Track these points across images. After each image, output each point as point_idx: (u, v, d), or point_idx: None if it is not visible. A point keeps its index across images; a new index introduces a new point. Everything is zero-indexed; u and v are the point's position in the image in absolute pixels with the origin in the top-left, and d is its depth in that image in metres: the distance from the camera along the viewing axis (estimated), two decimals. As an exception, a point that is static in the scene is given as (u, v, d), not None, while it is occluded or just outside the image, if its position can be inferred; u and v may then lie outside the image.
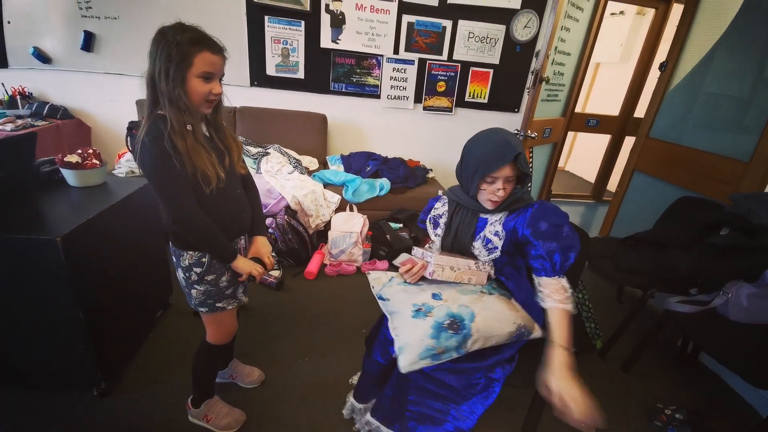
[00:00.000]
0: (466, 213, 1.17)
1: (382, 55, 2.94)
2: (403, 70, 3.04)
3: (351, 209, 2.54)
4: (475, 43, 3.01)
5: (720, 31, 1.94)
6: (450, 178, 3.25)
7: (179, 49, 0.88)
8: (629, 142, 3.69)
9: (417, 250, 1.21)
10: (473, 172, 1.07)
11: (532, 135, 2.58)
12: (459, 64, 3.08)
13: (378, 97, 3.09)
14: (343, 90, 3.01)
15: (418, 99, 3.16)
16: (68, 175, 1.37)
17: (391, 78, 3.04)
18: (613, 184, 3.73)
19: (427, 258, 1.15)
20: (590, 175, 4.41)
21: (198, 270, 1.08)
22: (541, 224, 1.02)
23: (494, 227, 1.12)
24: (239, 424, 1.32)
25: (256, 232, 1.23)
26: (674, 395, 1.65)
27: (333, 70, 2.93)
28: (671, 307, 1.59)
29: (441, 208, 1.26)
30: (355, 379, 1.50)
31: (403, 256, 1.23)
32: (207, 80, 0.94)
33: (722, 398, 1.69)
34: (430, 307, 1.06)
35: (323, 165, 2.94)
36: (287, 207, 2.37)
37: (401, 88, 3.11)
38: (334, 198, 2.55)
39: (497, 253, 1.12)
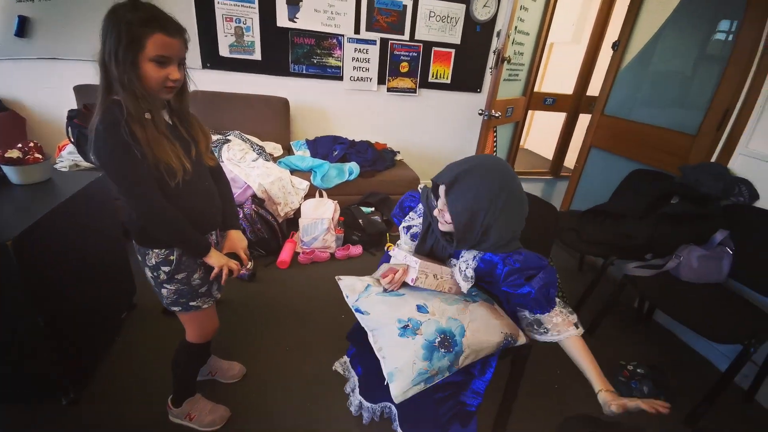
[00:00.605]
0: (438, 239, 1.10)
1: (342, 35, 2.86)
2: (365, 51, 2.97)
3: (321, 195, 2.50)
4: (436, 22, 3.00)
5: (669, 10, 2.06)
6: (417, 160, 3.29)
7: (129, 29, 0.80)
8: (583, 119, 3.89)
9: (398, 252, 1.11)
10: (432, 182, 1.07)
11: (496, 114, 2.64)
12: (421, 44, 3.06)
13: (341, 78, 3.01)
14: (304, 72, 2.90)
15: (381, 80, 3.11)
16: (10, 172, 1.23)
17: (353, 59, 2.97)
18: (569, 160, 3.92)
19: (410, 262, 1.05)
20: (548, 152, 4.60)
21: (166, 269, 1.02)
22: (518, 275, 0.97)
23: (466, 265, 1.05)
24: (224, 420, 1.29)
25: (229, 225, 1.17)
26: (635, 352, 1.80)
27: (292, 51, 2.81)
28: (629, 272, 1.72)
29: (416, 219, 1.18)
30: (338, 367, 1.50)
31: (384, 268, 1.12)
32: (162, 65, 0.86)
33: (678, 353, 1.87)
34: (418, 322, 0.96)
35: (287, 151, 2.85)
36: (254, 196, 2.28)
37: (364, 69, 3.05)
38: (303, 184, 2.48)
39: (471, 282, 1.04)
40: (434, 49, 3.10)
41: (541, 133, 5.11)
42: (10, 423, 1.22)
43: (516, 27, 2.47)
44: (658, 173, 2.01)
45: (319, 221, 2.34)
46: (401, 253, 1.10)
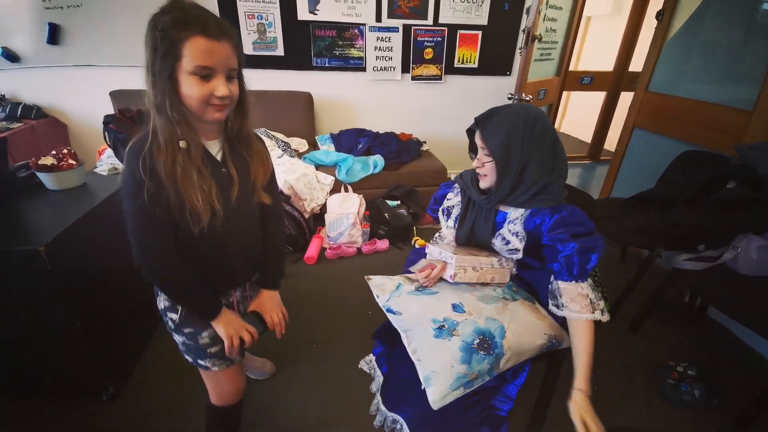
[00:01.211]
0: (481, 210, 1.06)
1: (364, 24, 2.80)
2: (387, 39, 2.90)
3: (346, 190, 2.48)
4: (461, 3, 2.86)
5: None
6: (444, 150, 3.19)
7: (163, 35, 0.66)
8: (625, 98, 3.63)
9: (433, 249, 1.09)
10: (468, 136, 1.05)
11: (527, 98, 2.49)
12: (446, 28, 2.94)
13: (363, 69, 2.96)
14: (327, 65, 2.88)
15: (405, 69, 3.03)
16: (45, 178, 1.29)
17: (375, 48, 2.91)
18: (610, 143, 3.68)
19: (446, 259, 1.03)
20: (586, 135, 4.33)
21: (173, 317, 0.89)
22: (564, 229, 0.92)
23: (514, 226, 1.00)
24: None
25: (266, 282, 1.00)
26: (684, 352, 1.67)
27: (314, 44, 2.79)
28: (680, 266, 1.57)
29: (454, 198, 1.17)
30: (364, 365, 1.49)
31: (422, 263, 1.09)
32: (205, 78, 0.70)
33: (734, 352, 1.71)
34: (454, 323, 0.92)
35: (313, 146, 2.85)
36: (280, 192, 2.30)
37: (387, 59, 2.98)
38: (328, 179, 2.48)
39: (519, 255, 1.01)
40: (459, 32, 2.97)
41: (578, 114, 4.83)
42: (54, 419, 1.30)
43: (547, 2, 2.31)
44: (710, 154, 1.81)
45: (344, 216, 2.33)
46: (436, 249, 1.07)
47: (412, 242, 2.41)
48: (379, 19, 2.80)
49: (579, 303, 0.89)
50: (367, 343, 1.53)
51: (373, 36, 2.85)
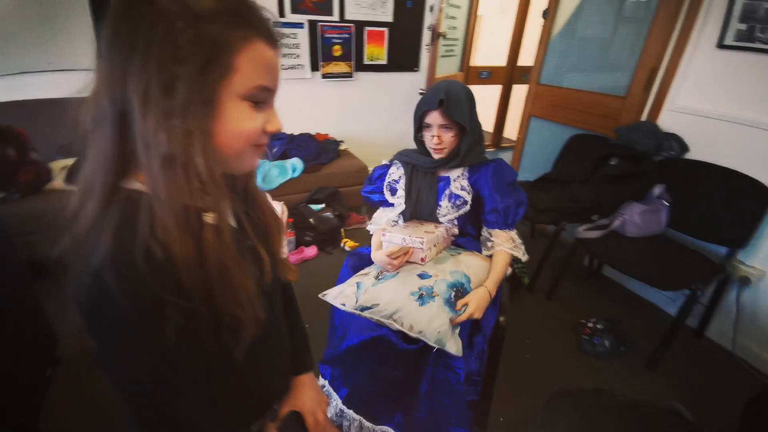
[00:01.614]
0: (425, 175, 1.19)
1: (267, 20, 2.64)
2: (293, 35, 2.78)
3: (265, 197, 2.32)
4: (366, 0, 2.86)
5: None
6: (362, 148, 3.18)
7: (199, 33, 0.39)
8: (516, 90, 4.00)
9: (394, 237, 1.10)
10: (415, 120, 1.14)
11: (437, 93, 2.59)
12: (353, 25, 2.91)
13: (270, 68, 2.79)
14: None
15: (314, 67, 2.94)
16: None
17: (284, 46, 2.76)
18: (508, 132, 4.03)
19: (413, 243, 1.08)
20: (487, 125, 4.70)
21: None
22: (499, 182, 1.12)
23: (460, 182, 1.17)
24: None
25: (302, 365, 0.75)
26: (592, 309, 1.89)
27: None
28: (580, 235, 1.78)
29: (396, 172, 1.24)
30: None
31: (392, 247, 1.09)
32: (259, 105, 0.46)
33: (630, 304, 1.99)
34: (429, 287, 1.02)
35: (222, 152, 2.62)
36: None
37: (294, 56, 2.85)
38: (243, 188, 2.29)
39: (467, 207, 1.16)
40: (366, 29, 2.97)
41: (480, 106, 5.20)
42: None
43: (448, 0, 2.42)
44: (595, 137, 2.08)
45: (266, 225, 2.18)
46: (398, 236, 1.10)
47: (342, 245, 2.36)
48: (282, 14, 2.66)
49: (510, 243, 1.14)
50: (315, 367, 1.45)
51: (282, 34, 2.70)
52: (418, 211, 1.20)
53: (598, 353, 1.62)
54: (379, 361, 1.06)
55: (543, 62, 2.44)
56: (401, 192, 1.22)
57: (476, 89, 4.65)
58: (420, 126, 1.15)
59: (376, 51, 3.10)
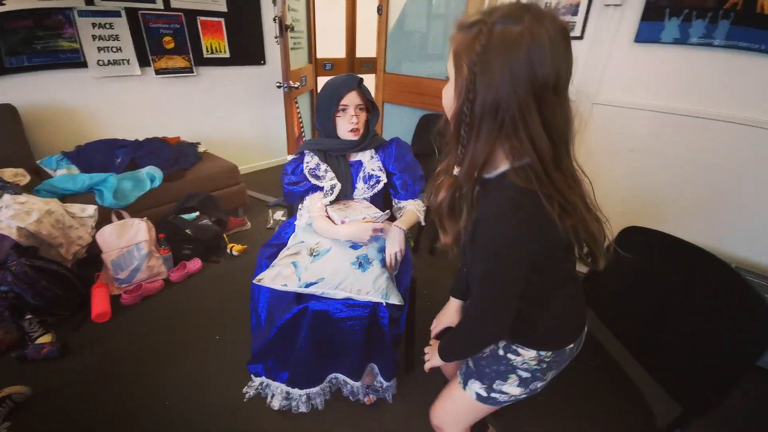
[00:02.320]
0: (338, 161, 1.27)
1: (71, 8, 2.17)
2: (108, 26, 2.37)
3: (120, 217, 1.99)
4: (192, -13, 2.64)
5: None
6: (224, 148, 2.98)
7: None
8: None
9: (355, 216, 1.20)
10: (327, 105, 1.18)
11: (295, 85, 2.65)
12: (181, 14, 2.66)
13: (84, 65, 2.33)
14: (27, 64, 2.11)
15: (144, 62, 2.58)
16: None
17: (94, 37, 2.33)
18: (360, 118, 4.32)
19: (378, 219, 1.18)
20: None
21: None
22: (404, 159, 1.31)
23: (374, 164, 1.30)
24: None
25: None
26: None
27: (3, 40, 1.97)
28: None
29: (312, 160, 1.28)
30: (250, 391, 1.37)
31: (381, 219, 1.19)
32: None
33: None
34: (364, 255, 1.17)
35: (36, 174, 2.08)
36: (15, 246, 1.62)
37: (115, 50, 2.45)
38: (87, 210, 1.90)
39: (381, 186, 1.29)
40: (200, 18, 2.75)
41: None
42: None
43: (287, -8, 2.46)
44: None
45: (132, 249, 1.89)
46: (357, 216, 1.20)
47: (228, 251, 2.22)
48: (90, 1, 2.23)
49: (417, 206, 1.32)
50: (239, 372, 1.41)
51: (86, 22, 2.26)
52: (339, 195, 1.27)
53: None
54: (309, 330, 1.14)
55: (385, 53, 2.74)
56: (330, 174, 1.26)
57: (322, 81, 4.74)
58: (335, 110, 1.19)
59: (216, 43, 2.91)
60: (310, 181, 1.27)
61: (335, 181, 1.26)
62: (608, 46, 1.82)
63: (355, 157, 1.32)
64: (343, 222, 1.19)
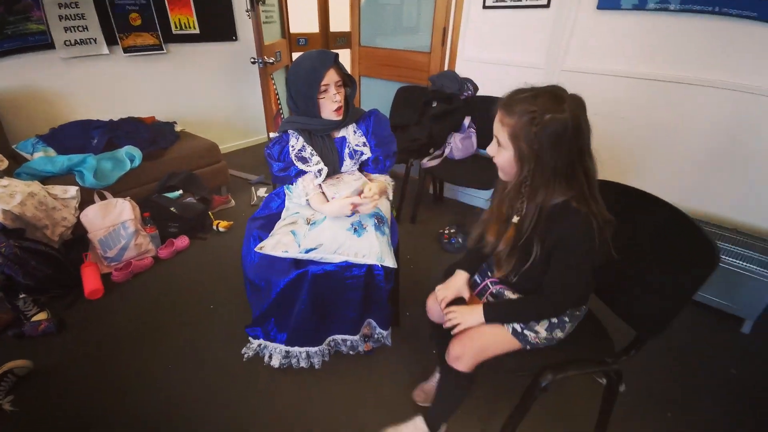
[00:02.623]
0: (323, 140, 1.29)
1: (35, -13, 2.11)
2: (73, 4, 2.30)
3: (102, 197, 2.01)
4: (156, -40, 2.57)
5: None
6: (201, 126, 2.98)
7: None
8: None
9: (341, 192, 1.24)
10: (308, 88, 1.17)
11: (270, 60, 2.65)
12: (147, -11, 2.59)
13: (52, 46, 2.28)
14: (-5, 47, 2.05)
15: (112, 40, 2.53)
16: None
17: (60, 18, 2.27)
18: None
19: (355, 191, 1.24)
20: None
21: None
22: (381, 133, 1.33)
23: (357, 138, 1.33)
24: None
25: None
26: (444, 222, 2.45)
27: None
28: (425, 166, 2.26)
29: (297, 143, 1.28)
30: (249, 353, 1.46)
31: (353, 199, 1.23)
32: None
33: (466, 211, 2.63)
34: (358, 222, 1.24)
35: (13, 159, 2.06)
36: (2, 228, 1.63)
37: (81, 29, 2.39)
38: (69, 192, 1.92)
39: (365, 156, 1.33)
40: (166, -7, 2.69)
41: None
42: None
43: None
44: (416, 87, 2.56)
45: (119, 227, 1.92)
46: (342, 191, 1.25)
47: (215, 227, 2.27)
48: (51, -24, 2.16)
49: (384, 180, 1.38)
50: (236, 337, 1.51)
51: (52, 2, 2.19)
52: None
53: (456, 249, 2.17)
54: (309, 293, 1.21)
55: (359, 27, 2.76)
56: (316, 157, 1.27)
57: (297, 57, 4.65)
58: (317, 92, 1.18)
59: (184, 19, 2.86)
60: (296, 166, 1.28)
61: (321, 165, 1.28)
62: (574, 13, 1.91)
63: (339, 133, 1.33)
64: (333, 198, 1.25)
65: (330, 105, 1.21)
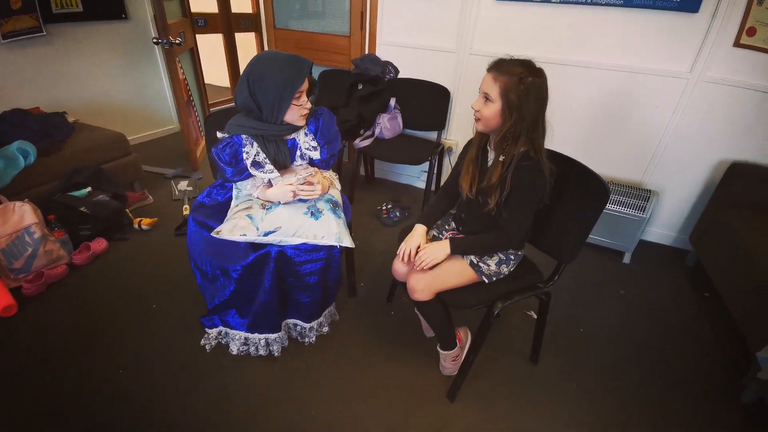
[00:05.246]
0: (277, 144, 1.30)
1: None
2: None
3: (-8, 202, 1.77)
4: None
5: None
6: (101, 116, 2.73)
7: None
8: (240, 38, 4.16)
9: (291, 179, 1.29)
10: (280, 97, 1.17)
11: (177, 41, 2.54)
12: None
13: None
14: None
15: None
16: None
17: None
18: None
19: (300, 180, 1.29)
20: (222, 79, 4.66)
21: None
22: (329, 132, 1.39)
23: (309, 142, 1.37)
24: None
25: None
26: (380, 199, 2.64)
27: None
28: (358, 146, 2.42)
29: (252, 149, 1.28)
30: (209, 341, 1.48)
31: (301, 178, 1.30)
32: None
33: (399, 189, 2.86)
34: (313, 206, 1.32)
35: None
36: None
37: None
38: (-55, 198, 1.66)
39: (319, 146, 1.38)
40: (40, -35, 2.38)
41: (211, 61, 5.01)
42: None
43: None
44: (339, 70, 2.69)
45: (22, 234, 1.73)
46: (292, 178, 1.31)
47: (136, 226, 2.14)
48: None
49: (329, 175, 1.47)
50: (190, 330, 1.53)
51: None
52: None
53: (395, 223, 2.39)
54: (272, 279, 1.28)
55: (273, 9, 2.76)
56: (269, 165, 1.30)
57: (200, 39, 4.41)
58: (289, 103, 1.20)
59: (64, -5, 2.55)
60: (249, 171, 1.30)
61: (275, 173, 1.31)
62: (477, 3, 2.21)
63: (290, 135, 1.34)
64: (304, 178, 1.30)
65: (299, 111, 1.24)
